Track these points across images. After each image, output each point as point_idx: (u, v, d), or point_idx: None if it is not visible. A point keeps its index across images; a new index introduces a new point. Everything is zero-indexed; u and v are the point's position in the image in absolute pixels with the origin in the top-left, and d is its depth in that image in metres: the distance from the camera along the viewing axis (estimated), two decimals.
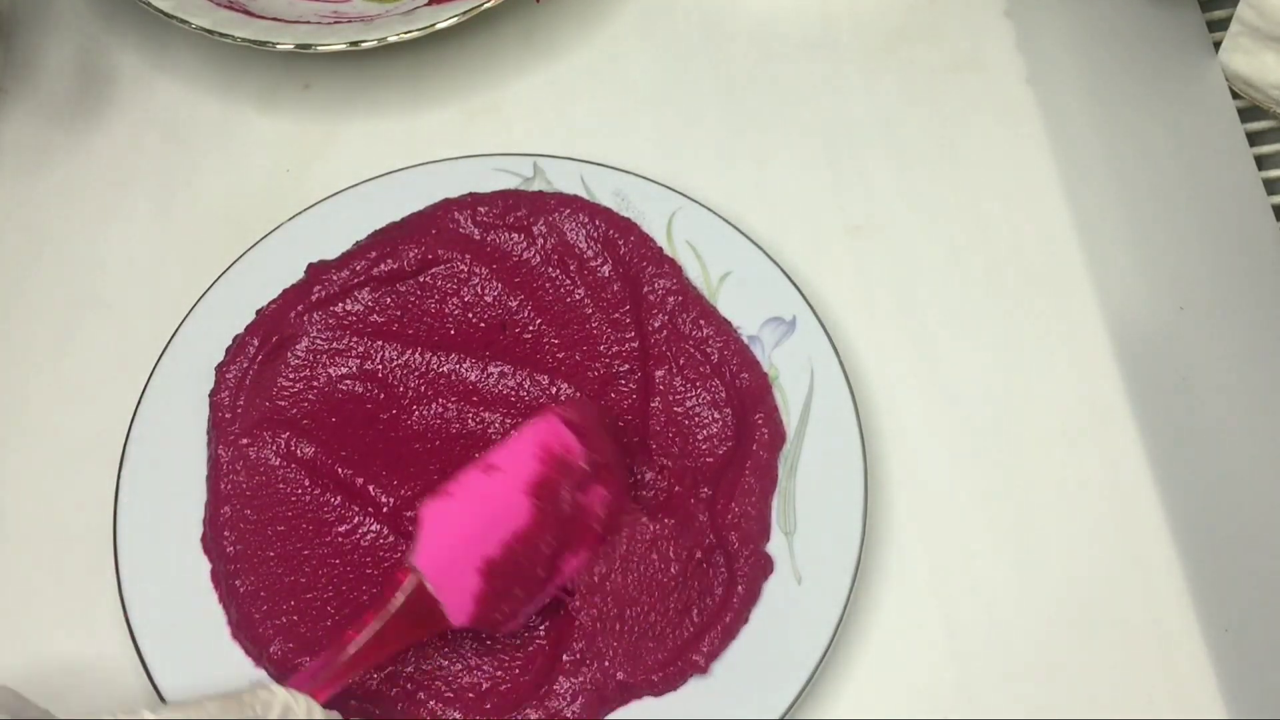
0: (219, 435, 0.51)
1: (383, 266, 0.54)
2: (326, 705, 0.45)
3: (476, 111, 0.62)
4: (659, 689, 0.47)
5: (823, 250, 0.57)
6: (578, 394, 0.52)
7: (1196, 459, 0.52)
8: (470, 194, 0.56)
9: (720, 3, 0.65)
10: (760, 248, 0.54)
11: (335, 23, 0.60)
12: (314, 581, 0.49)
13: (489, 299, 0.54)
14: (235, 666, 0.47)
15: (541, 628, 0.48)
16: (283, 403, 0.52)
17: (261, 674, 0.47)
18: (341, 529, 0.50)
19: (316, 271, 0.54)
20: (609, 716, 0.46)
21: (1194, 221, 0.57)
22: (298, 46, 0.58)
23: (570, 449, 0.47)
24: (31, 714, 0.42)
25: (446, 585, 0.45)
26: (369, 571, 0.49)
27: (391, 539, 0.50)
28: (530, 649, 0.48)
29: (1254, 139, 0.59)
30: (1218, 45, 0.60)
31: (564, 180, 0.56)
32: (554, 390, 0.52)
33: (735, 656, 0.47)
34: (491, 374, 0.53)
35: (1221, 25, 0.61)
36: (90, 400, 0.55)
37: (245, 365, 0.52)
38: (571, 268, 0.55)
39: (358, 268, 0.54)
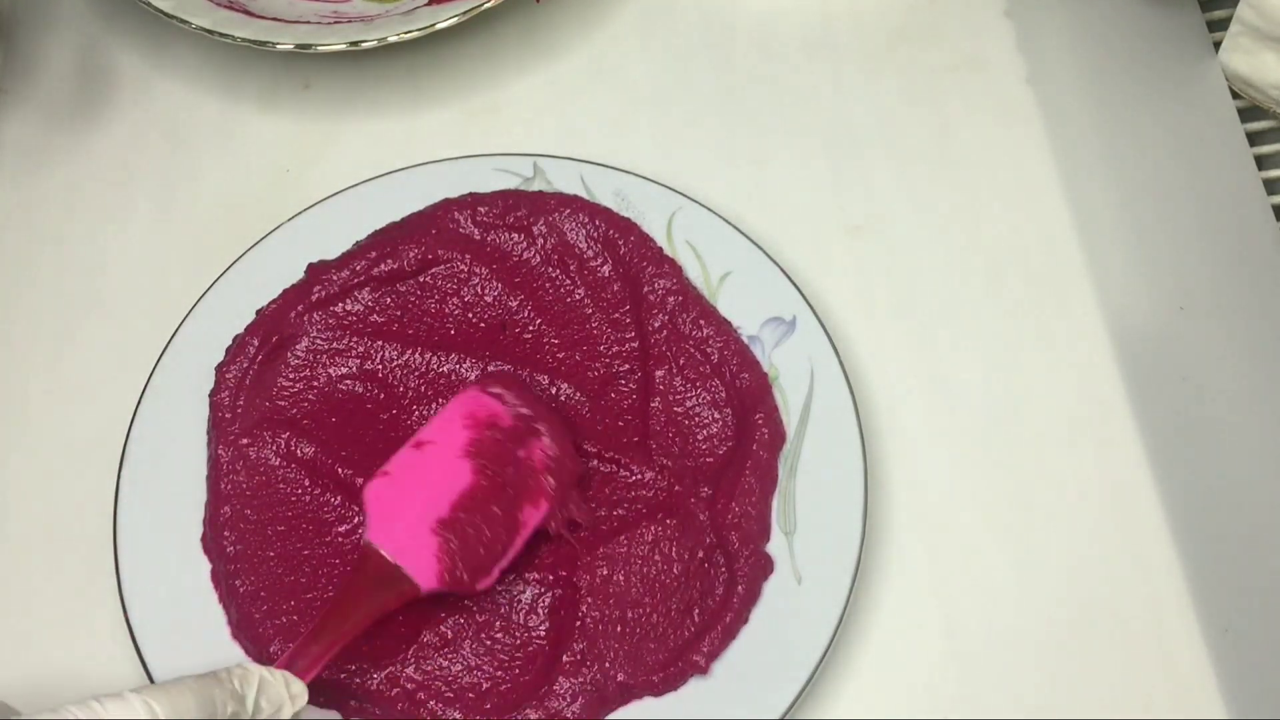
0: (219, 435, 0.51)
1: (383, 266, 0.54)
2: (327, 707, 0.45)
3: (476, 111, 0.62)
4: (659, 689, 0.47)
5: (823, 250, 0.57)
6: (578, 394, 0.52)
7: (1196, 459, 0.52)
8: (470, 194, 0.56)
9: (720, 3, 0.64)
10: (760, 248, 0.54)
11: (335, 23, 0.60)
12: (314, 581, 0.49)
13: (489, 299, 0.54)
14: None
15: (541, 628, 0.48)
16: (283, 403, 0.52)
17: None
18: (341, 529, 0.50)
19: (316, 271, 0.54)
20: (609, 717, 0.46)
21: (1194, 221, 0.57)
22: (298, 46, 0.58)
23: (495, 411, 0.49)
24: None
25: (403, 549, 0.46)
26: None
27: None
28: (530, 649, 0.48)
29: (1254, 139, 0.59)
30: (1218, 45, 0.60)
31: (564, 180, 0.56)
32: (554, 390, 0.52)
33: (735, 656, 0.47)
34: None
35: (1221, 25, 0.61)
36: (90, 400, 0.55)
37: (245, 365, 0.52)
38: (571, 268, 0.55)
39: (358, 268, 0.54)
